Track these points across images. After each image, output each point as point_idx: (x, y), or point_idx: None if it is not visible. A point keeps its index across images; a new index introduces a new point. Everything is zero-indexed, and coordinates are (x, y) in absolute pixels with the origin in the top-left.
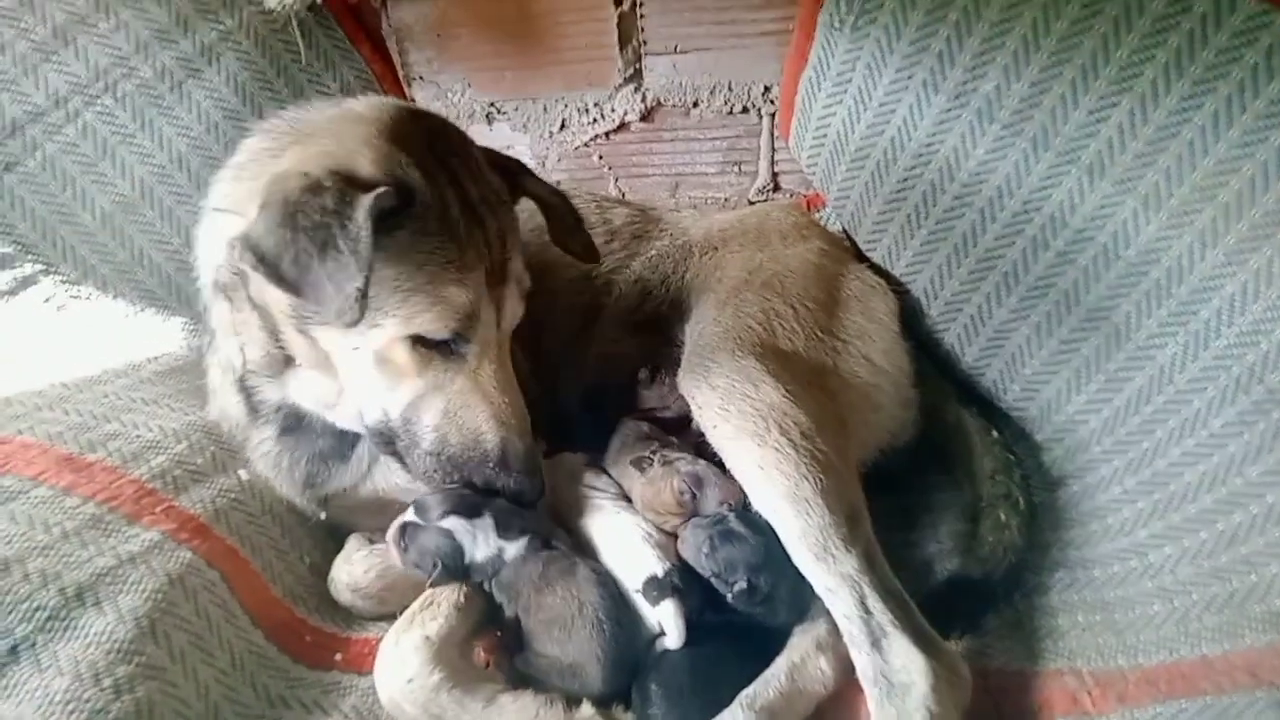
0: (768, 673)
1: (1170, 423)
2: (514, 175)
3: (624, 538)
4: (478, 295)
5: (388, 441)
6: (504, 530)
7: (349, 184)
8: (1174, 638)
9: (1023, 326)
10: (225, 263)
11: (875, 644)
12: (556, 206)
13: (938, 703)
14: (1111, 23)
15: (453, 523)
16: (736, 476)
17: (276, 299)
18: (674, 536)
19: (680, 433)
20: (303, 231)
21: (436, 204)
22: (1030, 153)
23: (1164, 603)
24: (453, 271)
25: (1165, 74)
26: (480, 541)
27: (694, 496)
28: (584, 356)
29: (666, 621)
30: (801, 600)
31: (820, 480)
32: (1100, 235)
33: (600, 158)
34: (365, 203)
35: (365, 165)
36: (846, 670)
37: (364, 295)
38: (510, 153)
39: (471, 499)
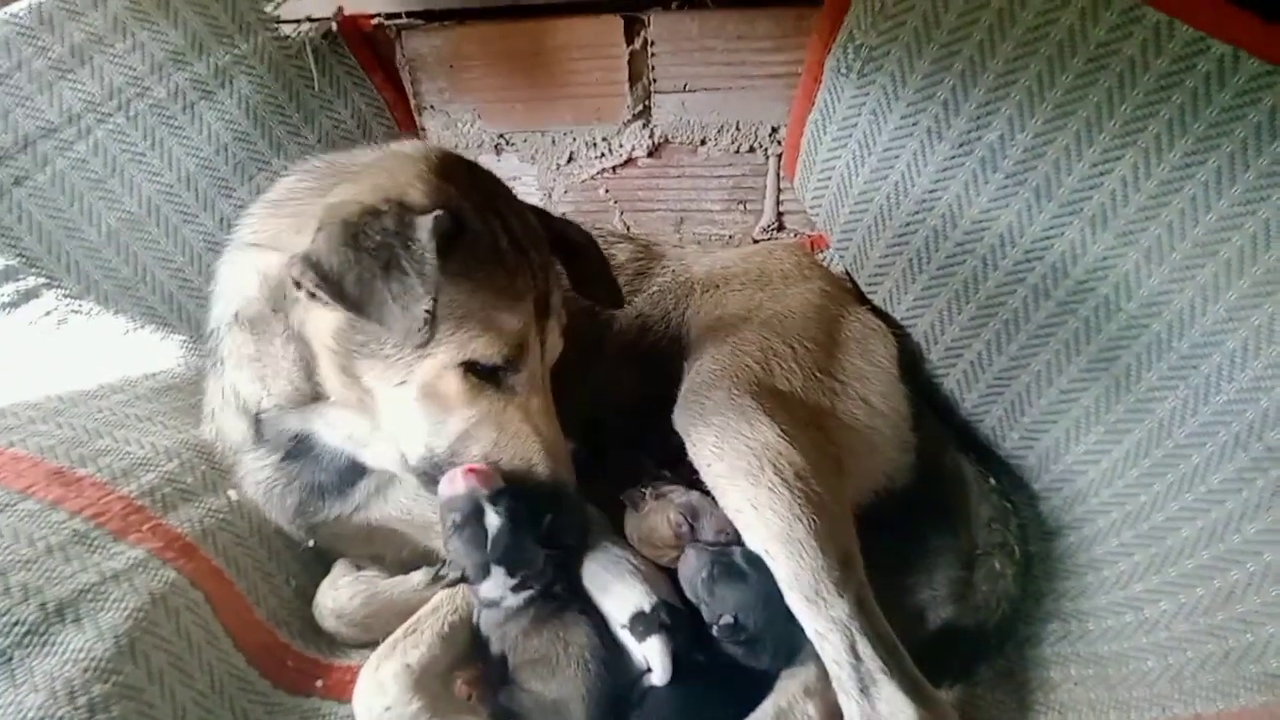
0: (753, 716)
1: (1169, 476)
2: (542, 216)
3: (613, 571)
4: (528, 322)
5: (433, 480)
6: (512, 577)
7: (406, 209)
8: (1167, 695)
9: (1022, 374)
10: (259, 295)
11: (864, 691)
12: (585, 248)
13: None
14: (1116, 78)
15: None
16: (730, 516)
17: (322, 330)
18: (666, 571)
19: (675, 468)
20: (366, 251)
21: (487, 234)
22: (1033, 202)
23: (1159, 659)
24: (505, 299)
25: (1169, 129)
26: (492, 580)
27: (691, 528)
28: (582, 390)
29: (653, 657)
30: (790, 646)
31: (814, 522)
32: (1102, 286)
33: (606, 191)
34: (427, 224)
35: (418, 196)
36: (833, 717)
37: (433, 316)
38: (517, 184)
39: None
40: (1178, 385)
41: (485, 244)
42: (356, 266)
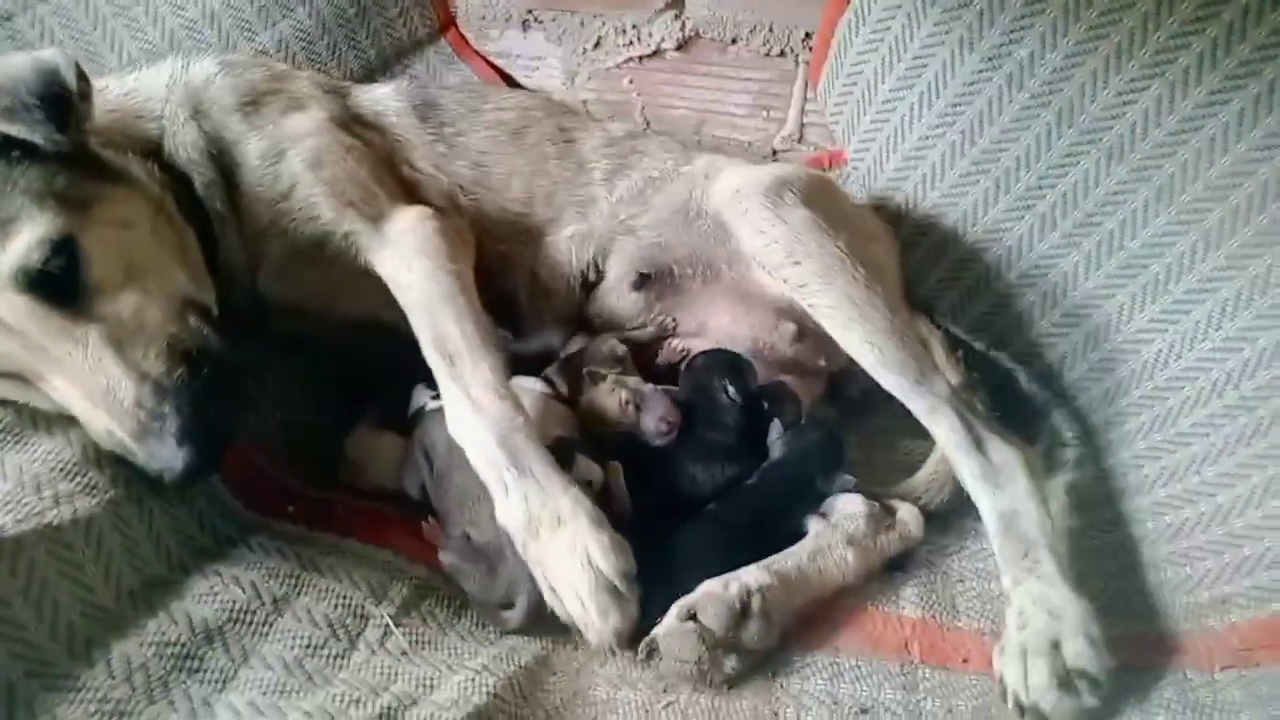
0: (789, 551)
1: (1142, 416)
2: None
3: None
4: None
5: None
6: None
7: None
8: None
9: (1017, 304)
10: None
11: (979, 447)
12: None
13: (1038, 487)
14: (1154, 2)
15: None
16: (823, 314)
17: None
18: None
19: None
20: None
21: None
22: (1054, 126)
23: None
24: None
25: (1199, 64)
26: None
27: (637, 409)
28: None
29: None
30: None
31: (903, 315)
32: (1108, 222)
33: (630, 82)
34: None
35: None
36: (869, 568)
37: None
38: (541, 65)
39: None
40: (1166, 329)
41: None
42: None
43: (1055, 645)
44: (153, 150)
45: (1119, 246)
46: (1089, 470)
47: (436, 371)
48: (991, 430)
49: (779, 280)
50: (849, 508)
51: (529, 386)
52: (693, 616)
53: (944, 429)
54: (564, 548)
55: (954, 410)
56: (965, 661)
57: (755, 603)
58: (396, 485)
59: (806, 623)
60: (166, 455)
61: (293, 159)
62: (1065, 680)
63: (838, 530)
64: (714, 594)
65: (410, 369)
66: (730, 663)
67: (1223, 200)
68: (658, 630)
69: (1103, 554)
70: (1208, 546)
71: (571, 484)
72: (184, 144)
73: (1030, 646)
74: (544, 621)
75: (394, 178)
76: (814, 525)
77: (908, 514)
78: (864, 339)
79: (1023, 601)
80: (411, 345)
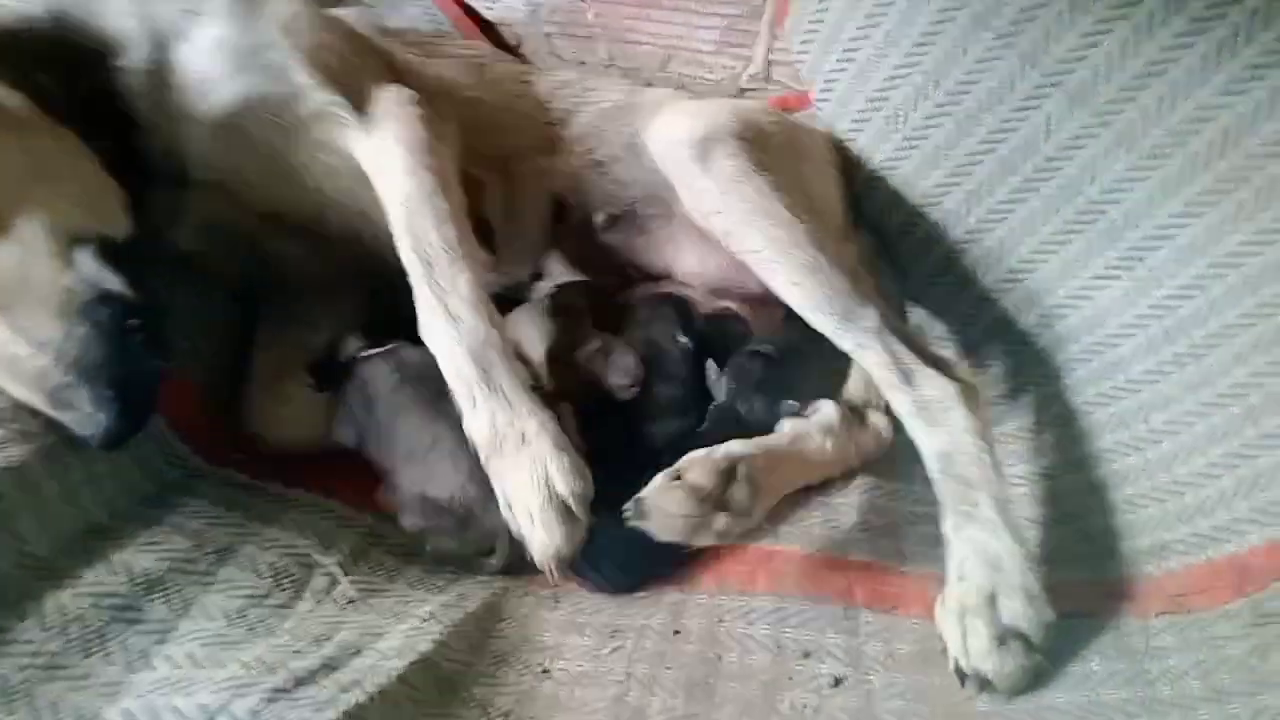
0: (770, 437)
1: (1094, 363)
2: None
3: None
4: None
5: None
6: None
7: None
8: None
9: (974, 249)
10: None
11: (908, 380)
12: None
13: (976, 417)
14: None
15: None
16: (749, 258)
17: None
18: None
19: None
20: None
21: None
22: (1018, 68)
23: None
24: None
25: (1165, 6)
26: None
27: (605, 358)
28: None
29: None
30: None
31: (828, 248)
32: (1069, 167)
33: (595, 15)
34: None
35: None
36: (845, 460)
37: None
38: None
39: None
40: (1121, 276)
41: None
42: None
43: (992, 600)
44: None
45: (1078, 192)
46: (1042, 415)
47: (412, 273)
48: (925, 362)
49: (710, 229)
50: (821, 408)
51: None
52: (678, 478)
53: (871, 364)
54: (525, 465)
55: (881, 344)
56: (907, 606)
57: (741, 468)
58: (312, 443)
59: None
60: (86, 423)
61: (268, 18)
62: (1003, 640)
63: (812, 424)
64: (700, 457)
65: (344, 297)
66: (719, 522)
67: (1183, 146)
68: (645, 491)
69: (1051, 500)
70: (1152, 494)
71: (541, 407)
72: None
73: (968, 604)
74: (528, 565)
75: (377, 60)
76: (788, 423)
77: (878, 419)
78: (788, 279)
79: (963, 550)
80: (360, 257)
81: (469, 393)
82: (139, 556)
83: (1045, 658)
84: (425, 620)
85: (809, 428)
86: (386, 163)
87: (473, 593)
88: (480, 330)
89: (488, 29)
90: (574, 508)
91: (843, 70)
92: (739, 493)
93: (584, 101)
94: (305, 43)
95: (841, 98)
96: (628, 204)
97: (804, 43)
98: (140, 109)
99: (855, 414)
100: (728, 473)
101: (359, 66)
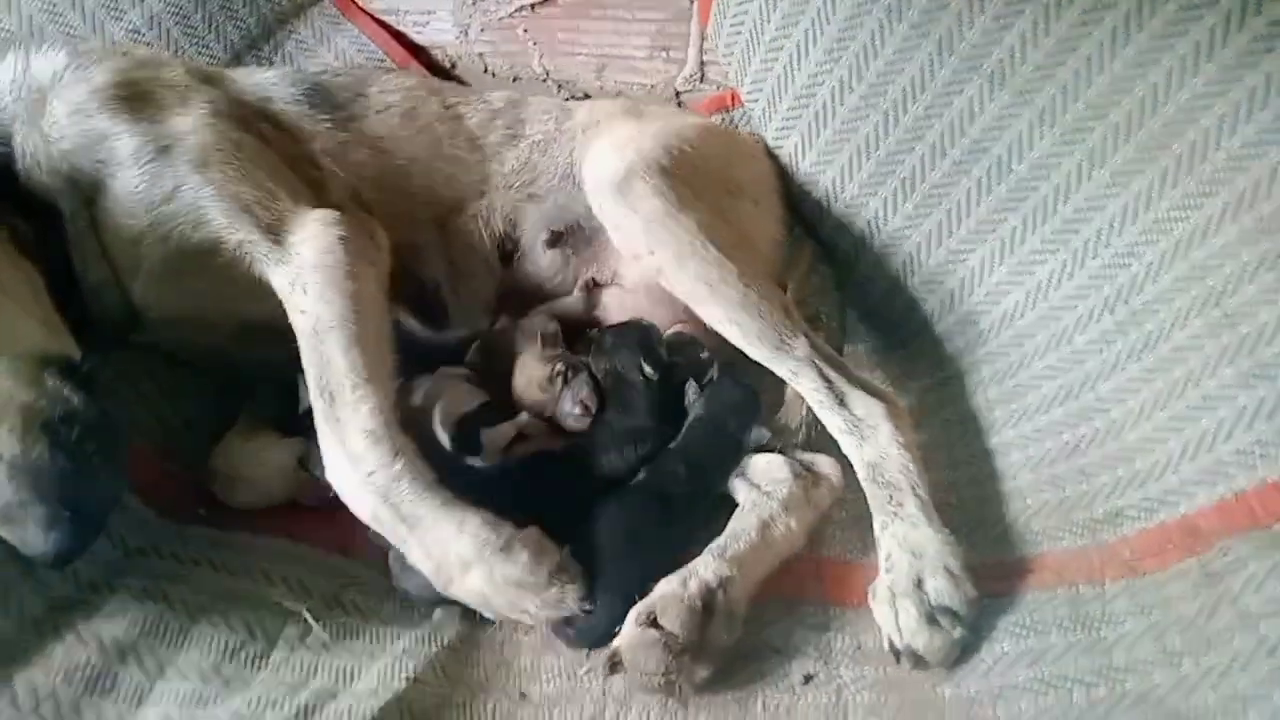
0: (735, 527)
1: (1039, 337)
2: None
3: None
4: None
5: None
6: None
7: None
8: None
9: (914, 235)
10: None
11: (841, 403)
12: None
13: (902, 434)
14: None
15: None
16: (682, 296)
17: None
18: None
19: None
20: None
21: None
22: (936, 56)
23: (1004, 506)
24: None
25: None
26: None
27: (565, 381)
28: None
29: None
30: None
31: (758, 283)
32: (996, 147)
33: (525, 31)
34: None
35: None
36: (810, 530)
37: None
38: (431, 20)
39: None
40: (1058, 249)
41: None
42: None
43: (919, 583)
44: None
45: (1008, 170)
46: (982, 395)
47: (315, 414)
48: (854, 384)
49: (644, 268)
50: (774, 472)
51: (451, 373)
52: (653, 622)
53: (806, 389)
54: (486, 582)
55: (815, 371)
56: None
57: (718, 599)
58: (284, 497)
59: None
60: (35, 542)
61: (176, 158)
62: (931, 618)
63: (773, 498)
64: (673, 595)
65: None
66: (701, 670)
67: (1103, 119)
68: (618, 642)
69: (994, 478)
70: (1103, 462)
71: (469, 516)
72: (34, 156)
73: (897, 588)
74: None
75: (293, 174)
76: (745, 494)
77: (827, 466)
78: (723, 317)
79: (890, 544)
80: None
81: (394, 536)
82: (109, 625)
83: (971, 631)
84: (398, 658)
85: (772, 507)
86: (299, 291)
87: (447, 624)
88: (382, 465)
89: (419, 53)
90: (555, 585)
91: (768, 70)
92: (718, 626)
93: (514, 134)
94: (217, 177)
95: (770, 96)
96: (570, 221)
97: (729, 44)
98: (83, 255)
99: (806, 469)
100: (705, 609)
101: (272, 192)
